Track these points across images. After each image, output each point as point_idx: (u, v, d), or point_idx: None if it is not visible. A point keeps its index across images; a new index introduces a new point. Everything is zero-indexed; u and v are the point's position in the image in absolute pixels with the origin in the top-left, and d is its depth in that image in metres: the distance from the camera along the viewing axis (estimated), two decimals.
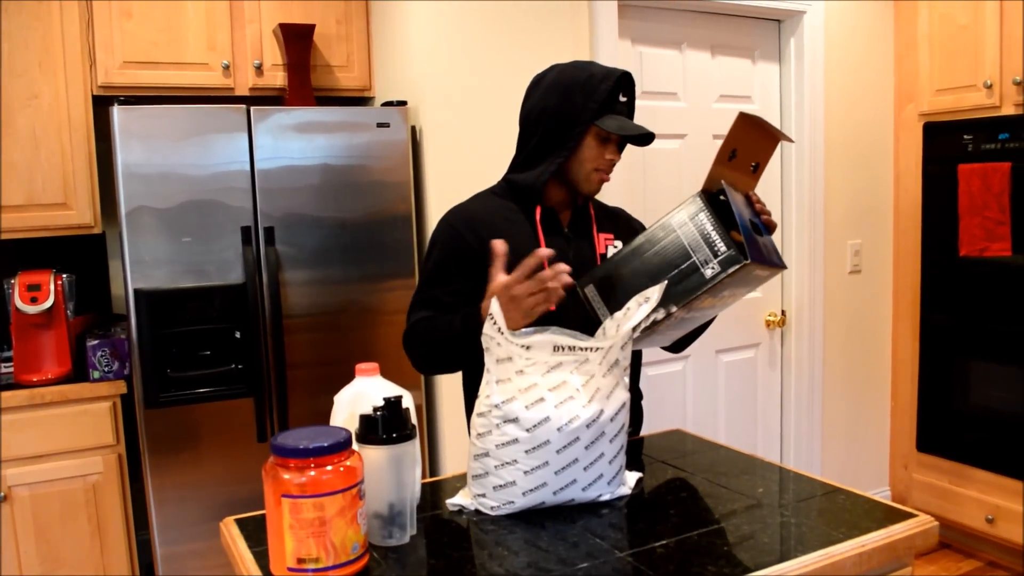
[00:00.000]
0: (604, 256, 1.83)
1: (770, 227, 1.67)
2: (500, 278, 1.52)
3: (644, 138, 1.76)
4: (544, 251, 1.50)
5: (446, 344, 1.70)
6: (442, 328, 1.70)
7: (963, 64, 3.28)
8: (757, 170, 1.68)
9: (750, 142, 1.62)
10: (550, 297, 1.49)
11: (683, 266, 1.54)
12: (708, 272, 1.51)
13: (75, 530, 2.66)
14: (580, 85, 1.72)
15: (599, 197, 1.91)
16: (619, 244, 1.86)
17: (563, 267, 1.49)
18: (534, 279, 1.48)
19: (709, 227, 1.54)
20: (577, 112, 1.71)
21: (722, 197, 1.57)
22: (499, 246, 1.55)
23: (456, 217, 1.80)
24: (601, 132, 1.73)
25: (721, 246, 1.51)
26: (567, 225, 1.84)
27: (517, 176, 1.81)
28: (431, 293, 1.77)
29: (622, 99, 1.75)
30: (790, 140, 1.70)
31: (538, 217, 1.79)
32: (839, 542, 1.31)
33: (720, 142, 3.27)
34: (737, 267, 1.49)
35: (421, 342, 1.76)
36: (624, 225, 1.95)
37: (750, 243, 1.51)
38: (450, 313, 1.72)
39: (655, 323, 1.55)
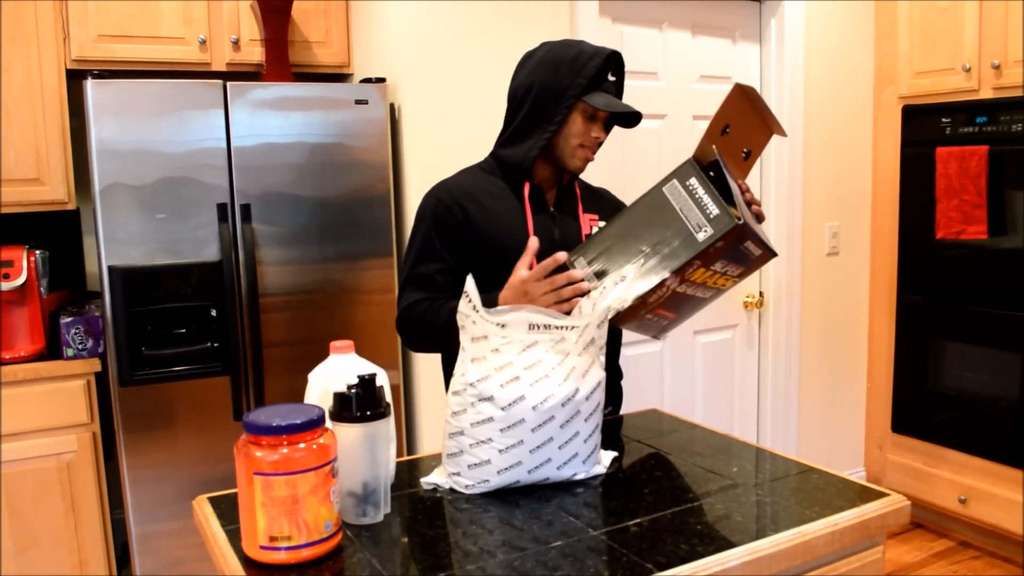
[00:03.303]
0: (589, 236, 1.83)
1: (759, 219, 1.68)
2: (520, 273, 1.58)
3: (631, 118, 1.78)
4: (561, 255, 1.54)
5: (438, 338, 1.70)
6: (433, 322, 1.70)
7: (942, 47, 3.29)
8: (749, 158, 1.66)
9: (744, 121, 1.60)
10: (563, 303, 1.55)
11: (675, 230, 1.53)
12: (701, 236, 1.50)
13: (49, 509, 2.64)
14: (569, 61, 1.72)
15: (582, 176, 1.91)
16: (603, 225, 1.86)
17: (578, 275, 1.55)
18: (547, 281, 1.55)
19: (701, 191, 1.52)
20: (565, 87, 1.72)
21: (711, 173, 1.56)
22: (532, 243, 1.59)
23: (444, 191, 1.79)
24: (588, 108, 1.73)
25: (713, 208, 1.49)
26: (552, 204, 1.84)
27: (505, 152, 1.80)
28: (421, 270, 1.77)
29: (611, 78, 1.76)
30: (783, 134, 1.68)
31: (527, 194, 1.78)
32: (812, 521, 1.32)
33: (701, 123, 3.30)
34: (729, 228, 1.47)
35: (413, 331, 1.77)
36: (608, 206, 1.95)
37: (743, 212, 1.50)
38: (442, 295, 1.72)
39: (647, 292, 1.53)
